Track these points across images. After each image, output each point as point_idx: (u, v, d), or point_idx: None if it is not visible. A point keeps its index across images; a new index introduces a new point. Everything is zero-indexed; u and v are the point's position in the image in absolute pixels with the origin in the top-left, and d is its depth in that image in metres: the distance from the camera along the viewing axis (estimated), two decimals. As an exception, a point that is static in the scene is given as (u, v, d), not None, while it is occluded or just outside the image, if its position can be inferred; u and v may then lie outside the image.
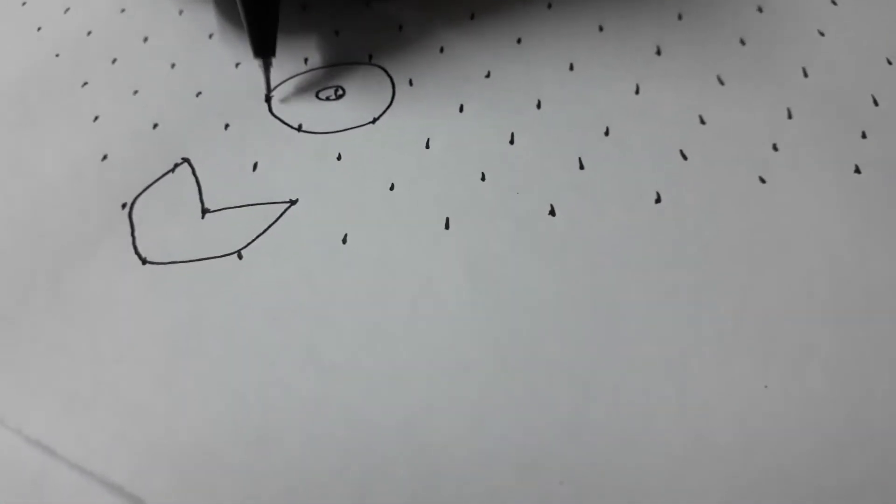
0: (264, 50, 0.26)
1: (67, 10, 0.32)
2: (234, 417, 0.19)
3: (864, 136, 0.23)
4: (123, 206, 0.24)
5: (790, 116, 0.24)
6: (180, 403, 0.19)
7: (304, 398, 0.19)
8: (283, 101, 0.26)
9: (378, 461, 0.17)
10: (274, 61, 0.26)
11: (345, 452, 0.18)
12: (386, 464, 0.17)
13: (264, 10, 0.25)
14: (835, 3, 0.28)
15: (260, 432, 0.18)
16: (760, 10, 0.28)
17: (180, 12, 0.31)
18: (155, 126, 0.26)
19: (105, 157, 0.25)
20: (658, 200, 0.22)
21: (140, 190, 0.24)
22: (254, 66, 0.27)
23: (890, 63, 0.25)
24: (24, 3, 0.33)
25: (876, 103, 0.24)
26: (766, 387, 0.18)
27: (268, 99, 0.26)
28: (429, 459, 0.17)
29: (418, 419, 0.18)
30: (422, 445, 0.18)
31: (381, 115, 0.26)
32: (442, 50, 0.28)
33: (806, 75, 0.25)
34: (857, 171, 0.22)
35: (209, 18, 0.30)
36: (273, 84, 0.27)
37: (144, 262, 0.22)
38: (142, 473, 0.18)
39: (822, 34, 0.26)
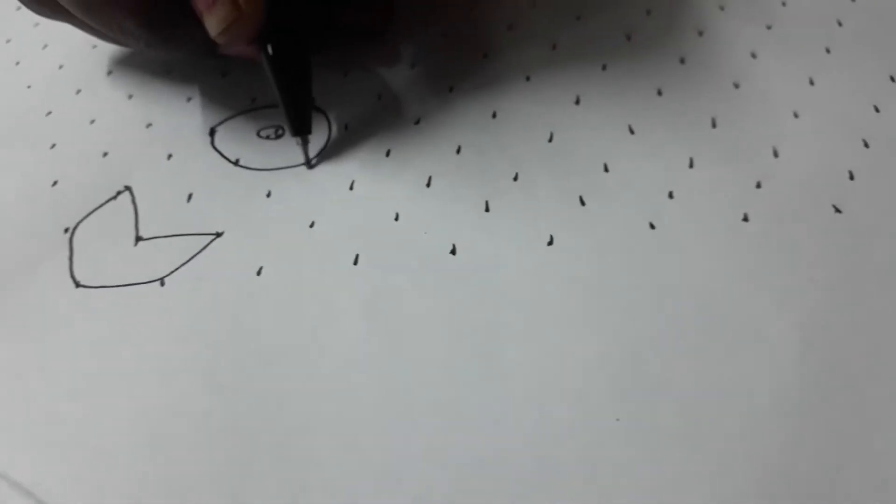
0: (302, 129, 0.26)
1: (45, 46, 0.34)
2: (130, 426, 0.21)
3: (758, 185, 0.24)
4: (66, 230, 0.26)
5: (691, 165, 0.25)
6: (87, 412, 0.21)
7: (195, 412, 0.21)
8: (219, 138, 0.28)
9: (254, 472, 0.19)
10: (222, 99, 0.28)
11: (224, 461, 0.20)
12: (260, 475, 0.19)
13: (300, 92, 0.26)
14: (754, 57, 0.29)
15: (152, 439, 0.20)
16: (682, 61, 0.29)
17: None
18: (105, 154, 0.28)
19: (55, 183, 0.27)
20: (550, 243, 0.23)
21: (83, 215, 0.26)
22: (202, 99, 0.29)
23: (796, 116, 0.27)
24: (8, 41, 0.35)
25: (776, 155, 0.25)
26: (617, 420, 0.19)
27: (211, 132, 0.28)
28: (300, 473, 0.19)
29: (295, 437, 0.20)
30: (296, 460, 0.19)
31: (314, 157, 0.27)
32: (380, 97, 0.29)
33: (714, 126, 0.26)
34: (745, 219, 0.23)
35: (170, 57, 0.32)
36: (218, 120, 0.29)
37: (78, 285, 0.24)
38: (41, 472, 0.20)
39: (736, 86, 0.28)
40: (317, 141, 0.28)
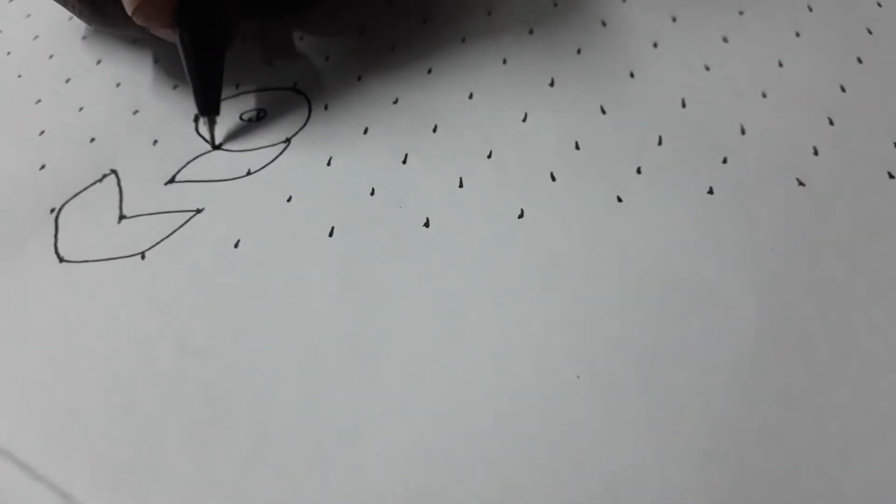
0: (210, 109, 0.28)
1: (36, 37, 0.35)
2: (104, 390, 0.21)
3: (724, 161, 0.25)
4: (52, 210, 0.26)
5: (660, 143, 0.26)
6: (62, 375, 0.22)
7: (167, 376, 0.21)
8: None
9: (220, 429, 0.20)
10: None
11: (191, 420, 0.20)
12: (226, 432, 0.20)
13: (210, 72, 0.27)
14: (726, 41, 0.30)
15: (124, 403, 0.21)
16: (655, 45, 0.30)
17: (134, 41, 0.34)
18: (92, 140, 0.29)
19: (43, 167, 0.28)
20: (521, 216, 0.24)
21: (69, 197, 0.27)
22: (188, 87, 0.30)
23: (765, 96, 0.27)
24: (-1, 31, 0.36)
25: (743, 132, 0.26)
26: (577, 377, 0.20)
27: (196, 119, 0.29)
28: (265, 428, 0.20)
29: (263, 396, 0.20)
30: (262, 417, 0.20)
31: (294, 136, 0.28)
32: (360, 78, 0.30)
33: (684, 105, 0.27)
34: (710, 192, 0.24)
35: (159, 46, 0.33)
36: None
37: (61, 260, 0.25)
38: (15, 432, 0.21)
39: (707, 69, 0.28)
40: (297, 121, 0.29)
